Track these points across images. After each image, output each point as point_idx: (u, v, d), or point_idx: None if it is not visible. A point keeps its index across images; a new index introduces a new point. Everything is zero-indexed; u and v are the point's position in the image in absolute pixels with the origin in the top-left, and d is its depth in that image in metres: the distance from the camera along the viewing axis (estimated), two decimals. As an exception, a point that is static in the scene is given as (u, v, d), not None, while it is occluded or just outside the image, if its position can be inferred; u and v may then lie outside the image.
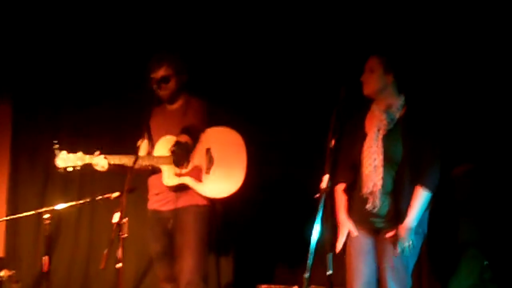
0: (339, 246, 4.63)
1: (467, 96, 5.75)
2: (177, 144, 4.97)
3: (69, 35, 6.66)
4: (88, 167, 5.04)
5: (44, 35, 6.68)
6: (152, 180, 5.15)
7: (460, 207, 5.73)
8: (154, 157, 5.02)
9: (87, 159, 4.96)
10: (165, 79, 5.06)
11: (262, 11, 6.34)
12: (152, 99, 5.08)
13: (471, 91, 5.75)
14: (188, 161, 5.03)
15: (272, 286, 5.74)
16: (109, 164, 4.97)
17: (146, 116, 5.09)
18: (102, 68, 6.65)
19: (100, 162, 4.96)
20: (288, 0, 6.28)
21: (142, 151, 5.12)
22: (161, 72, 5.06)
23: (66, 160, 4.94)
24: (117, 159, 4.98)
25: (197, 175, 5.04)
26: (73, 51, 6.68)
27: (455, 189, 5.67)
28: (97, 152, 4.96)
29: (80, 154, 4.96)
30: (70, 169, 4.97)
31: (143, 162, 4.96)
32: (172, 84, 5.08)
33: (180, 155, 4.97)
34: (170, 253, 5.10)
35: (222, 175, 5.07)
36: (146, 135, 5.11)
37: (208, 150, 5.07)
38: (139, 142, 4.82)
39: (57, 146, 4.92)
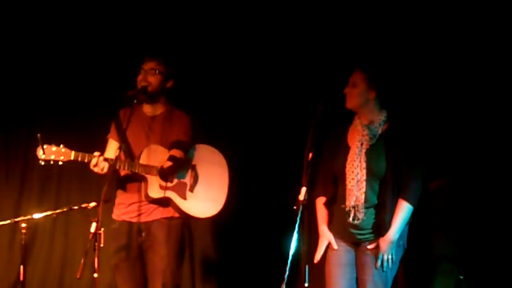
0: (317, 257, 4.64)
1: (443, 111, 5.80)
2: (172, 159, 4.93)
3: (43, 41, 6.61)
4: (66, 165, 4.89)
5: (18, 42, 6.63)
6: (125, 189, 5.04)
7: (435, 221, 5.77)
8: (142, 165, 4.94)
9: (73, 155, 4.84)
10: (152, 72, 5.03)
11: (237, 26, 6.38)
12: (127, 99, 4.99)
13: (447, 106, 5.80)
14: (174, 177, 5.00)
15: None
16: (109, 167, 4.81)
17: (116, 114, 5.03)
18: (77, 76, 6.62)
19: (101, 164, 4.84)
20: (265, 17, 6.32)
21: (110, 151, 5.05)
22: (151, 65, 5.03)
23: (49, 152, 4.83)
24: (118, 163, 4.84)
25: (181, 191, 4.99)
26: (48, 58, 6.63)
27: (430, 204, 5.70)
28: (97, 153, 4.81)
29: (65, 148, 4.82)
30: (51, 162, 4.85)
31: (132, 169, 4.90)
32: (155, 81, 5.04)
33: (172, 171, 4.93)
34: (136, 266, 4.99)
35: (205, 196, 5.04)
36: (115, 135, 5.04)
37: (193, 167, 5.05)
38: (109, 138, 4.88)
39: (40, 136, 4.79)
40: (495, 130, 5.69)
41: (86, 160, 4.79)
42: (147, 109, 5.12)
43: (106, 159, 4.79)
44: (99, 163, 4.78)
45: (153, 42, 6.33)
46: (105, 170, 4.79)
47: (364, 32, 6.01)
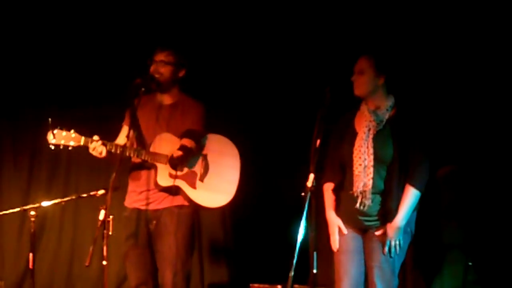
0: (334, 244, 4.64)
1: (452, 97, 5.79)
2: (183, 148, 4.93)
3: (52, 33, 6.63)
4: (75, 152, 4.93)
5: (27, 34, 6.64)
6: (137, 176, 5.05)
7: (443, 209, 5.76)
8: (151, 153, 4.95)
9: (83, 141, 4.87)
10: (162, 64, 5.04)
11: (246, 17, 6.40)
12: (135, 86, 5.01)
13: (455, 93, 5.79)
14: (185, 166, 5.00)
15: (265, 285, 5.77)
16: (107, 152, 4.86)
17: (135, 105, 5.04)
18: (86, 66, 6.64)
19: (99, 148, 4.88)
20: (272, 6, 6.32)
21: (122, 138, 5.06)
22: (161, 56, 5.05)
23: (59, 137, 4.84)
24: (114, 148, 4.85)
25: (191, 180, 4.98)
26: (57, 48, 6.65)
27: (439, 191, 5.69)
28: (97, 137, 4.86)
29: (75, 134, 4.84)
30: (61, 147, 4.89)
31: (140, 156, 4.92)
32: (166, 72, 5.05)
33: (183, 160, 4.93)
34: (146, 254, 5.00)
35: (215, 186, 5.02)
36: (129, 122, 5.05)
37: (204, 157, 5.04)
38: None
39: (50, 121, 4.82)
40: (505, 117, 5.68)
41: (89, 145, 4.84)
42: (161, 98, 5.13)
43: (104, 143, 4.83)
44: (97, 147, 4.82)
45: (165, 31, 6.35)
46: (104, 154, 4.84)
47: (371, 18, 6.00)
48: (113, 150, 4.85)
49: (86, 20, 6.58)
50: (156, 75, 5.01)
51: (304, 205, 4.10)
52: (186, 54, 5.14)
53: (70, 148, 4.84)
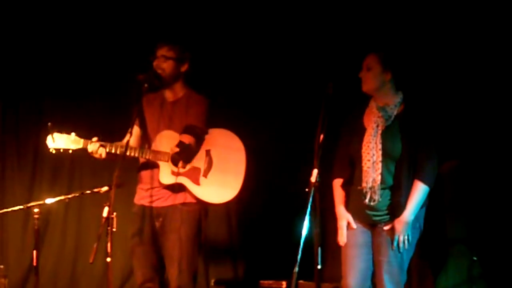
0: (342, 239, 4.65)
1: (456, 92, 5.79)
2: (180, 145, 4.91)
3: (54, 26, 6.63)
4: (78, 152, 4.91)
5: (29, 27, 6.65)
6: (144, 174, 5.05)
7: (448, 203, 5.77)
8: (152, 151, 4.94)
9: (82, 143, 4.87)
10: (164, 59, 5.03)
11: (251, 8, 6.37)
12: (138, 83, 4.99)
13: (460, 88, 5.79)
14: (187, 162, 4.98)
15: (270, 281, 5.77)
16: (107, 153, 4.86)
17: (138, 101, 5.03)
18: (88, 61, 6.64)
19: (98, 150, 4.83)
20: (278, 2, 6.32)
21: (131, 139, 5.05)
22: (162, 51, 5.03)
23: (59, 141, 4.84)
24: (114, 148, 4.86)
25: (195, 176, 4.96)
26: (58, 46, 6.65)
27: (443, 185, 5.69)
28: (95, 139, 4.84)
29: (74, 137, 4.85)
30: (61, 150, 4.89)
31: (142, 155, 4.91)
32: (168, 67, 5.03)
33: (182, 156, 4.91)
34: (152, 251, 4.98)
35: (219, 181, 4.99)
36: (137, 122, 5.04)
37: (208, 152, 5.02)
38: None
39: (50, 125, 4.82)
40: (509, 112, 5.67)
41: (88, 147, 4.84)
42: (166, 94, 5.11)
43: (103, 145, 4.82)
44: (95, 150, 4.83)
45: (167, 26, 6.34)
46: (103, 156, 4.84)
47: (378, 14, 5.99)
48: (113, 151, 4.84)
49: (88, 17, 6.58)
50: (159, 71, 5.00)
51: (308, 200, 4.10)
52: (189, 48, 5.12)
53: (70, 151, 4.85)
